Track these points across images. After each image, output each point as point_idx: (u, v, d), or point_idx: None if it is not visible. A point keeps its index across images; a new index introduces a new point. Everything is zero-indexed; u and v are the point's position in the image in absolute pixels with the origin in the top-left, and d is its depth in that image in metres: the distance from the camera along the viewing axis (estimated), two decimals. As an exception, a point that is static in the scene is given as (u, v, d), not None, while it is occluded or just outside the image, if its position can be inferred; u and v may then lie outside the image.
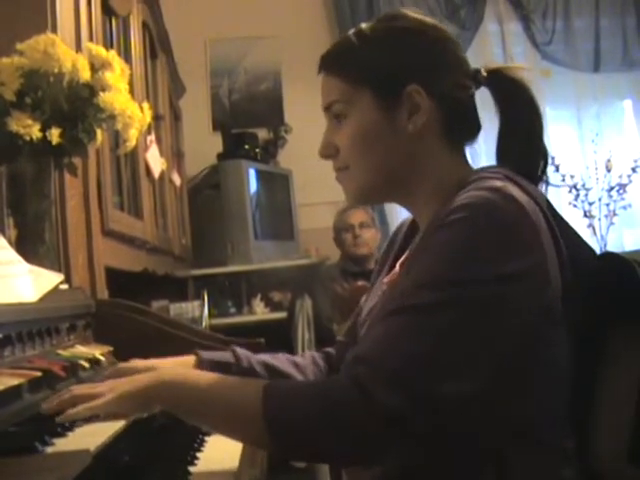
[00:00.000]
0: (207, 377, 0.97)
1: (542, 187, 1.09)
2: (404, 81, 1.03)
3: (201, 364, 1.16)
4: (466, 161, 1.10)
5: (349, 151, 1.06)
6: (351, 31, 1.09)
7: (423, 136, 1.04)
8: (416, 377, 0.86)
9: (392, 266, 1.19)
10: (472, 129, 1.09)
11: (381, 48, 1.05)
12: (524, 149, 1.07)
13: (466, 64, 1.08)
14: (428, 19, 1.10)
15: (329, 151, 1.09)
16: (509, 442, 0.94)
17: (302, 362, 1.23)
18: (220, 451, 1.12)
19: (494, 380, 0.89)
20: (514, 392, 0.93)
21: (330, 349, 1.30)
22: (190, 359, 1.18)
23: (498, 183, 0.95)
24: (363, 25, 1.09)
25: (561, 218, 1.02)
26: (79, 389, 0.97)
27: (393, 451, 0.87)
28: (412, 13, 1.09)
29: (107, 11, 2.06)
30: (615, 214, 4.21)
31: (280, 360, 1.21)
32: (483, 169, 1.05)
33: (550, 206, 1.01)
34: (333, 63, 1.08)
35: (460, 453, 0.92)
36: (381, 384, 0.85)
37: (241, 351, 1.20)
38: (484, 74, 1.08)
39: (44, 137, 1.32)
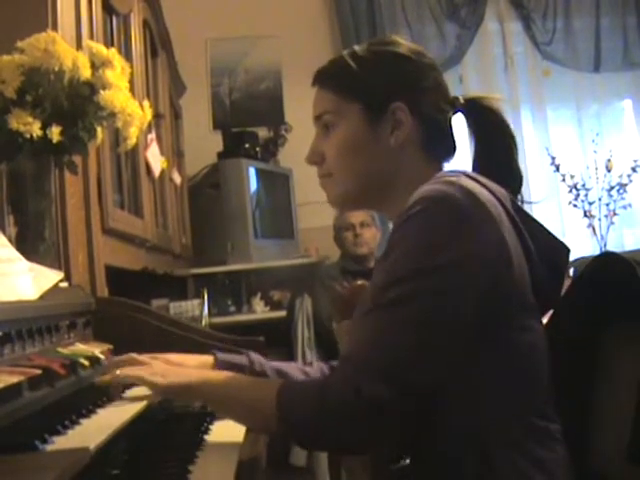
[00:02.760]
0: (235, 378, 1.11)
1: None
2: (390, 99, 1.13)
3: (218, 364, 1.29)
4: None
5: (334, 159, 1.16)
6: (345, 52, 1.20)
7: (403, 150, 1.13)
8: (393, 370, 0.94)
9: None
10: (449, 149, 1.19)
11: (372, 68, 1.15)
12: (499, 173, 1.13)
13: (446, 90, 1.19)
14: (417, 46, 1.20)
15: (315, 158, 1.19)
16: (488, 423, 0.98)
17: (311, 371, 1.34)
18: (219, 450, 1.12)
19: (463, 363, 0.97)
20: (482, 374, 0.98)
21: (336, 362, 1.37)
22: (209, 358, 1.31)
23: (453, 178, 1.02)
24: (356, 47, 1.20)
25: (528, 216, 1.07)
26: (135, 356, 1.22)
27: (385, 435, 0.98)
28: (402, 40, 1.19)
29: (108, 9, 2.06)
30: (615, 214, 4.21)
31: (291, 367, 1.34)
32: (445, 171, 1.13)
33: (514, 203, 1.07)
34: (328, 78, 1.18)
35: (442, 436, 0.99)
36: (365, 379, 0.94)
37: (255, 356, 1.33)
38: (462, 101, 1.18)
39: (44, 135, 1.31)
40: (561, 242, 1.10)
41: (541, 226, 1.08)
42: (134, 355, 1.24)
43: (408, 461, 1.07)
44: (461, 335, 0.96)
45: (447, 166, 1.18)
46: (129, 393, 1.21)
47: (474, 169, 1.17)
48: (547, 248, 1.06)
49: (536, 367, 1.02)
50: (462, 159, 1.21)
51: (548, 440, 1.00)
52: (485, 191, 1.01)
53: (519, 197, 1.15)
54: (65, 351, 1.20)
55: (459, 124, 1.20)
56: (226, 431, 1.22)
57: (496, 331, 0.98)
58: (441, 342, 0.95)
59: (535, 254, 1.03)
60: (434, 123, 1.15)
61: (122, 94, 1.42)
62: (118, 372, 1.14)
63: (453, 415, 0.99)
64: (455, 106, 1.18)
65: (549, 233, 1.09)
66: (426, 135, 1.14)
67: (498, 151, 1.16)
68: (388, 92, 1.13)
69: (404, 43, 1.18)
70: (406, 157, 1.14)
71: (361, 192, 1.16)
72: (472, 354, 0.97)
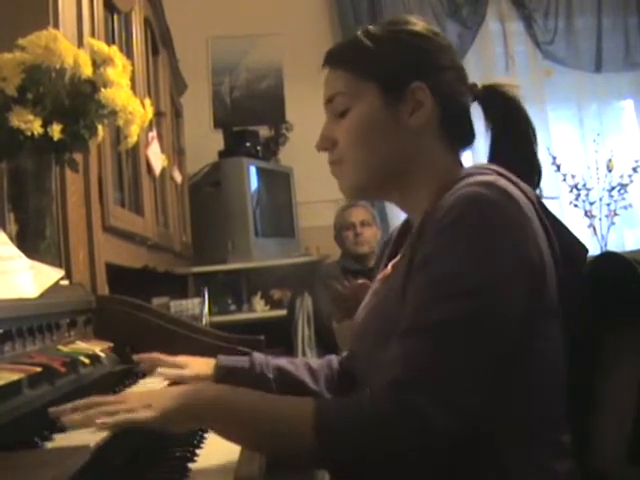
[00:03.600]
0: (251, 396, 0.96)
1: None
2: (410, 78, 1.05)
3: (216, 368, 1.26)
4: (460, 164, 1.12)
5: (349, 144, 1.08)
6: (358, 31, 1.12)
7: (422, 134, 1.06)
8: (455, 394, 0.87)
9: (386, 265, 1.19)
10: (467, 135, 1.12)
11: (389, 46, 1.08)
12: (520, 165, 1.07)
13: (463, 71, 1.12)
14: (430, 26, 1.13)
15: (326, 144, 1.11)
16: (507, 437, 0.95)
17: (317, 367, 1.28)
18: (219, 448, 1.12)
19: (504, 380, 0.91)
20: (517, 388, 0.94)
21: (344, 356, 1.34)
22: (210, 363, 1.28)
23: (489, 178, 0.96)
24: (370, 27, 1.12)
25: (553, 215, 1.03)
26: (100, 399, 0.95)
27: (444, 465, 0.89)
28: (415, 19, 1.12)
29: (109, 7, 2.06)
30: (616, 214, 4.21)
31: (296, 365, 1.27)
32: (473, 167, 1.07)
33: (541, 203, 1.02)
34: (341, 57, 1.11)
35: (460, 450, 0.92)
36: (431, 408, 0.85)
37: (258, 356, 1.27)
38: (479, 87, 1.12)
39: (45, 133, 1.31)
40: (581, 242, 1.05)
41: (563, 225, 1.04)
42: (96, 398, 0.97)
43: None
44: (503, 351, 0.91)
45: (465, 155, 1.13)
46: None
47: (491, 159, 1.11)
48: (569, 248, 1.02)
49: (556, 376, 0.99)
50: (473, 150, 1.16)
51: (561, 453, 0.97)
52: (519, 192, 0.96)
53: (539, 190, 1.11)
54: (65, 349, 1.20)
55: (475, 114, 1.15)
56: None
57: (520, 340, 0.93)
58: (489, 361, 0.90)
59: (560, 255, 0.99)
60: (454, 106, 1.08)
61: (123, 92, 1.41)
62: (98, 422, 0.88)
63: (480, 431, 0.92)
64: (473, 92, 1.11)
65: (570, 232, 1.04)
66: (445, 118, 1.07)
67: (517, 141, 1.10)
68: (407, 71, 1.06)
69: (420, 22, 1.11)
70: (425, 142, 1.07)
71: (376, 179, 1.09)
72: (509, 367, 0.92)
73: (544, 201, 1.05)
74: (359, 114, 1.07)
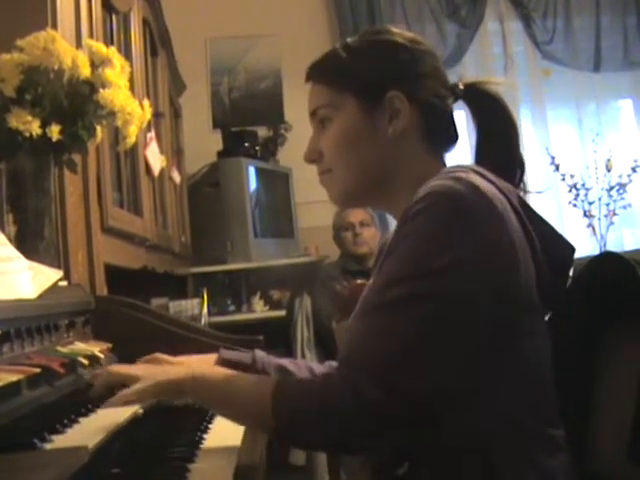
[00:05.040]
0: (229, 375, 1.05)
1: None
2: (385, 87, 1.10)
3: (218, 362, 1.28)
4: (444, 165, 1.14)
5: (332, 154, 1.13)
6: (337, 44, 1.17)
7: (403, 140, 1.10)
8: (392, 374, 0.92)
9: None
10: (450, 138, 1.16)
11: (364, 58, 1.12)
12: (501, 160, 1.10)
13: (444, 76, 1.15)
14: (410, 34, 1.16)
15: (313, 156, 1.16)
16: (495, 433, 0.96)
17: (318, 369, 1.31)
18: (219, 449, 1.12)
19: (468, 369, 0.94)
20: (490, 380, 0.96)
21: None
22: (212, 357, 1.30)
23: (461, 173, 0.99)
24: (349, 39, 1.16)
25: (536, 214, 1.04)
26: (115, 368, 1.12)
27: (382, 438, 0.96)
28: (395, 28, 1.16)
29: (107, 8, 2.06)
30: (615, 214, 4.20)
31: (298, 366, 1.31)
32: (452, 166, 1.09)
33: (523, 201, 1.04)
34: (320, 72, 1.16)
35: (445, 442, 0.96)
36: (366, 383, 0.91)
37: (260, 354, 1.31)
38: (461, 87, 1.14)
39: (44, 134, 1.31)
40: (566, 240, 1.07)
41: (547, 224, 1.05)
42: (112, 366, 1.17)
43: (407, 467, 1.04)
44: (464, 339, 0.93)
45: (449, 156, 1.15)
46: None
47: (476, 157, 1.14)
48: (552, 246, 1.03)
49: (543, 373, 1.00)
50: (462, 151, 1.19)
51: (552, 447, 0.98)
52: (493, 188, 0.98)
53: (522, 186, 1.12)
54: (64, 350, 1.20)
55: (459, 115, 1.17)
56: (226, 430, 1.21)
57: (503, 336, 0.95)
58: (443, 347, 0.92)
59: (540, 252, 1.00)
60: (433, 111, 1.11)
61: (122, 93, 1.41)
62: (105, 405, 1.04)
63: (456, 422, 0.96)
64: (455, 93, 1.14)
65: (554, 231, 1.05)
66: (426, 124, 1.10)
67: (499, 138, 1.13)
68: (382, 81, 1.10)
69: (397, 31, 1.14)
70: (406, 148, 1.10)
71: (362, 186, 1.12)
72: (477, 360, 0.94)
73: (539, 199, 1.06)
74: (339, 125, 1.11)
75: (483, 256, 0.93)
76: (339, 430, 0.94)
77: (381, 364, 0.92)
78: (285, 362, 1.30)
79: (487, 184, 0.98)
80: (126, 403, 1.02)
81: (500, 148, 1.12)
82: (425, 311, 0.92)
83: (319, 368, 1.32)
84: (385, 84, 1.09)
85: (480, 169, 1.03)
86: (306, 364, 1.33)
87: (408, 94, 1.09)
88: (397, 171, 1.10)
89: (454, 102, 1.14)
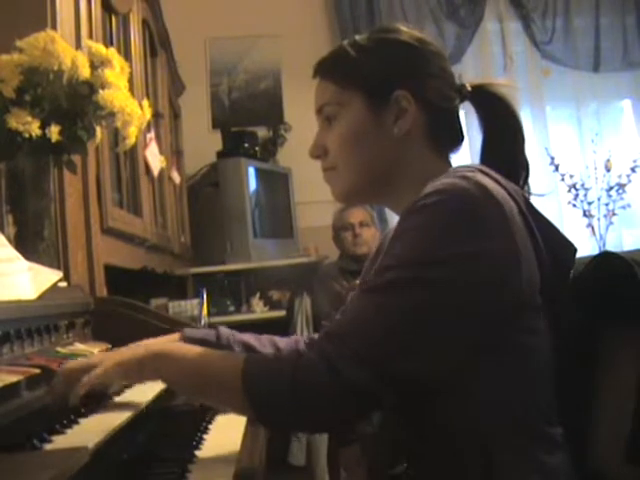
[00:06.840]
0: (193, 350, 1.03)
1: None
2: (392, 86, 1.10)
3: (184, 341, 1.23)
4: (449, 165, 1.14)
5: (338, 151, 1.13)
6: (346, 41, 1.16)
7: (408, 139, 1.10)
8: (378, 355, 0.91)
9: None
10: (455, 138, 1.16)
11: (372, 56, 1.12)
12: (506, 162, 1.11)
13: (451, 77, 1.15)
14: (418, 33, 1.16)
15: (318, 152, 1.16)
16: (494, 430, 0.96)
17: (282, 345, 1.30)
18: (218, 449, 1.12)
19: (463, 363, 0.94)
20: (489, 377, 0.96)
21: (316, 335, 1.34)
22: (175, 337, 1.26)
23: (468, 173, 0.99)
24: (357, 36, 1.16)
25: (540, 215, 1.04)
26: (71, 363, 1.07)
27: (354, 418, 0.97)
28: (404, 27, 1.16)
29: (107, 8, 2.06)
30: (614, 214, 4.21)
31: (262, 342, 1.29)
32: (458, 166, 1.09)
33: (527, 201, 1.04)
34: (328, 68, 1.15)
35: (445, 440, 0.96)
36: (347, 361, 0.90)
37: (224, 330, 1.28)
38: (468, 89, 1.15)
39: (43, 134, 1.31)
40: (569, 241, 1.07)
41: (551, 224, 1.05)
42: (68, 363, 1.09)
43: (405, 465, 1.04)
44: (457, 332, 0.92)
45: (454, 157, 1.16)
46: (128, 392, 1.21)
47: (482, 158, 1.14)
48: (556, 247, 1.03)
49: (542, 371, 1.00)
50: (462, 151, 1.18)
51: (551, 445, 0.98)
52: (499, 188, 0.98)
53: (526, 189, 1.12)
54: (64, 351, 1.20)
55: (466, 115, 1.18)
56: (225, 430, 1.22)
57: (502, 332, 0.95)
58: (430, 335, 0.92)
59: (544, 252, 1.00)
60: (440, 111, 1.12)
61: (121, 93, 1.41)
62: (72, 397, 1.00)
63: (454, 419, 0.96)
64: (462, 94, 1.14)
65: (558, 232, 1.05)
66: (431, 123, 1.11)
67: (505, 140, 1.13)
68: (390, 79, 1.10)
69: (406, 30, 1.15)
70: (411, 147, 1.11)
71: (366, 184, 1.13)
72: (474, 354, 0.94)
73: (539, 199, 1.06)
74: (345, 122, 1.11)
75: (486, 253, 0.93)
76: (310, 407, 0.92)
77: (368, 344, 0.91)
78: (248, 337, 1.29)
79: (494, 184, 0.98)
80: (92, 388, 1.00)
81: (506, 150, 1.13)
82: (421, 296, 0.92)
83: (282, 342, 1.31)
84: (392, 83, 1.10)
85: (486, 169, 1.03)
86: (270, 339, 1.31)
87: (415, 94, 1.10)
88: (402, 170, 1.11)
89: (460, 103, 1.15)
